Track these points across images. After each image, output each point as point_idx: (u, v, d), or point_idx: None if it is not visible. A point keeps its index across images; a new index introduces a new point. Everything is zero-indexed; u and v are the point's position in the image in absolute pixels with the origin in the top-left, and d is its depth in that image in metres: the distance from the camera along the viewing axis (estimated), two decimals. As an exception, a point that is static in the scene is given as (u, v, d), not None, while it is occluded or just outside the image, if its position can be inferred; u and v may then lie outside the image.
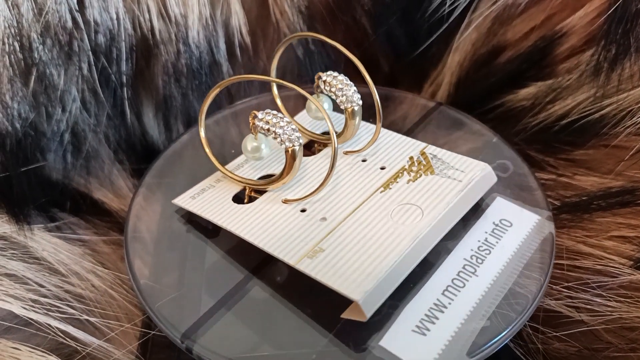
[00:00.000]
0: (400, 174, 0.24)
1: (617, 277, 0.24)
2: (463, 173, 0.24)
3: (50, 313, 0.24)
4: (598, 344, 0.24)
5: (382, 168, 0.25)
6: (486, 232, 0.23)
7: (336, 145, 0.23)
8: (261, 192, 0.24)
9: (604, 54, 0.28)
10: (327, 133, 0.27)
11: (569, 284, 0.24)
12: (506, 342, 0.20)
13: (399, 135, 0.26)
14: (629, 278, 0.24)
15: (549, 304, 0.24)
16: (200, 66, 0.30)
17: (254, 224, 0.23)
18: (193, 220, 0.24)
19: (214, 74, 0.31)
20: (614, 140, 0.28)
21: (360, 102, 0.25)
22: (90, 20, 0.27)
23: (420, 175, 0.24)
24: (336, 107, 0.26)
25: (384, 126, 0.27)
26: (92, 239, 0.28)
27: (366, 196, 0.23)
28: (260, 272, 0.22)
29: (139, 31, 0.29)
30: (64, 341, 0.23)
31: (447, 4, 0.30)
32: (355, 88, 0.25)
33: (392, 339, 0.20)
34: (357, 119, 0.25)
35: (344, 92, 0.25)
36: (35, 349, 0.23)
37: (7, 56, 0.26)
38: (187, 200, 0.24)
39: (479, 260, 0.22)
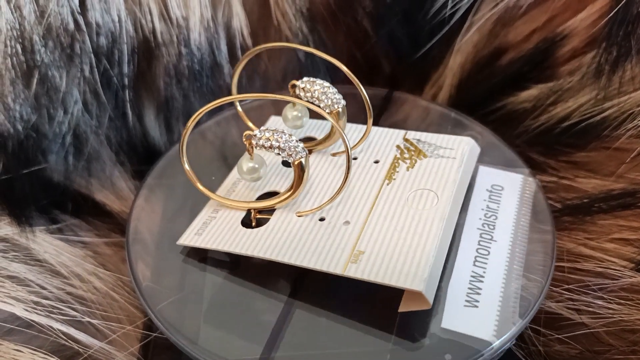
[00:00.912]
0: (396, 164, 0.25)
1: (618, 279, 0.24)
2: (453, 150, 0.25)
3: (52, 315, 0.24)
4: (599, 347, 0.24)
5: (376, 162, 0.25)
6: (485, 200, 0.25)
7: (350, 150, 0.22)
8: (268, 212, 0.23)
9: (605, 56, 0.28)
10: (306, 140, 0.26)
11: (570, 287, 0.24)
12: (508, 345, 0.20)
13: (377, 128, 0.26)
14: (630, 280, 0.24)
15: (550, 307, 0.24)
16: (201, 68, 0.30)
17: (280, 244, 0.22)
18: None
19: (216, 75, 0.31)
20: (616, 142, 0.28)
21: (344, 102, 0.25)
22: (92, 23, 0.27)
23: (416, 161, 0.25)
24: (312, 114, 0.26)
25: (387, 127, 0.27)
26: (93, 240, 0.28)
27: (376, 191, 0.23)
28: (262, 274, 0.22)
29: (140, 33, 0.29)
30: (66, 343, 0.23)
31: (449, 6, 0.30)
32: (335, 89, 0.25)
33: (451, 318, 0.21)
34: (344, 119, 0.25)
35: (327, 96, 0.24)
36: (37, 350, 0.23)
37: (9, 58, 0.26)
38: (193, 238, 0.23)
39: (490, 227, 0.24)
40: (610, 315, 0.24)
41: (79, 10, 0.27)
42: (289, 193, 0.23)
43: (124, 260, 0.27)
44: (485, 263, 0.23)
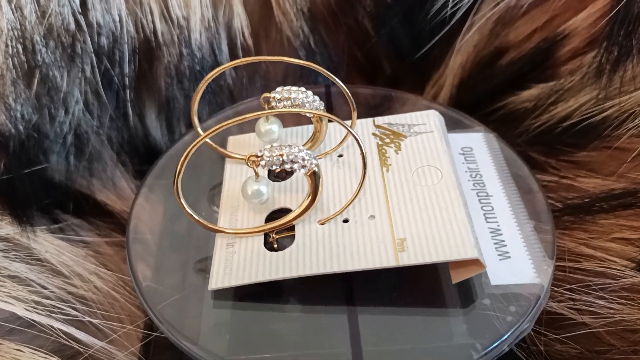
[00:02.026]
0: (383, 150, 0.25)
1: (619, 279, 0.24)
2: (425, 124, 0.26)
3: (52, 315, 0.24)
4: (600, 346, 0.24)
5: (363, 156, 0.25)
6: (463, 163, 0.26)
7: (365, 153, 0.22)
8: (286, 230, 0.23)
9: (606, 55, 0.28)
10: None
11: (571, 286, 0.24)
12: (510, 344, 0.20)
13: (347, 122, 0.26)
14: (631, 280, 0.24)
15: (551, 306, 0.24)
16: (202, 68, 0.30)
17: (320, 256, 0.21)
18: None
19: (217, 76, 0.31)
20: (617, 142, 0.27)
21: (323, 104, 0.24)
22: (93, 23, 0.27)
23: (399, 144, 0.25)
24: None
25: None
26: (94, 240, 0.28)
27: (380, 180, 0.24)
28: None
29: (141, 33, 0.29)
30: (67, 343, 0.23)
31: (450, 6, 0.30)
32: (311, 92, 0.24)
33: (495, 275, 0.22)
34: (325, 121, 0.25)
35: (308, 100, 0.24)
36: (37, 350, 0.23)
37: (10, 58, 0.26)
38: (224, 279, 0.21)
39: (481, 185, 0.25)
40: (611, 315, 0.24)
41: (80, 11, 0.27)
42: (307, 204, 0.22)
43: (125, 260, 0.27)
44: (495, 217, 0.24)
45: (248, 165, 0.22)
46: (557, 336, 0.24)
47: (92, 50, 0.27)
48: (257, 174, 0.22)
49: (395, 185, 0.23)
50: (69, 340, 0.24)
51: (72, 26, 0.27)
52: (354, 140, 0.25)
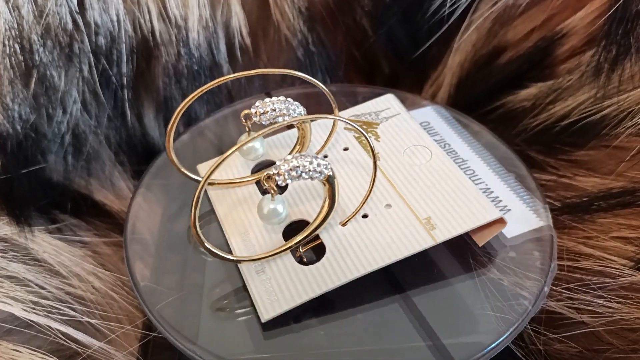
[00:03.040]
0: (365, 143, 0.25)
1: (618, 278, 0.24)
2: (390, 109, 0.27)
3: (51, 315, 0.24)
4: (599, 345, 0.24)
5: (346, 149, 0.25)
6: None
7: (373, 146, 0.23)
8: (310, 241, 0.22)
9: (604, 54, 0.28)
10: (270, 164, 0.26)
11: (570, 285, 0.24)
12: (508, 343, 0.20)
13: (320, 121, 0.26)
14: (630, 279, 0.24)
15: (549, 305, 0.24)
16: (200, 68, 0.30)
17: (358, 257, 0.21)
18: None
19: (215, 75, 0.31)
20: (615, 141, 0.27)
21: (304, 108, 0.24)
22: (90, 22, 0.27)
23: (375, 132, 0.26)
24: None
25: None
26: (93, 240, 0.28)
27: (377, 169, 0.24)
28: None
29: (139, 33, 0.29)
30: (65, 343, 0.23)
31: (448, 5, 0.30)
32: (290, 99, 0.23)
33: (508, 229, 0.23)
34: (308, 126, 0.25)
35: (291, 109, 0.23)
36: (36, 351, 0.23)
37: (7, 58, 0.26)
38: (274, 307, 0.20)
39: (454, 153, 0.26)
40: (610, 314, 0.24)
41: (78, 10, 0.27)
42: (326, 210, 0.22)
43: (123, 260, 0.27)
44: (480, 178, 0.25)
45: (263, 185, 0.21)
46: (556, 335, 0.24)
47: (89, 49, 0.27)
48: (274, 192, 0.21)
49: (393, 170, 0.24)
50: (67, 340, 0.24)
51: (70, 26, 0.27)
52: (333, 137, 0.25)
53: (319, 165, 0.21)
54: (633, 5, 0.26)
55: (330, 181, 0.22)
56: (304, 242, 0.22)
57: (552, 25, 0.30)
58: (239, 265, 0.22)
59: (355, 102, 0.28)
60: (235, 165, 0.26)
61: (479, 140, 0.27)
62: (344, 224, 0.22)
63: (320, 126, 0.26)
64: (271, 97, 0.23)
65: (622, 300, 0.24)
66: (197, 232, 0.20)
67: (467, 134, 0.27)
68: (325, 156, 0.25)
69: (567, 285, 0.24)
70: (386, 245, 0.21)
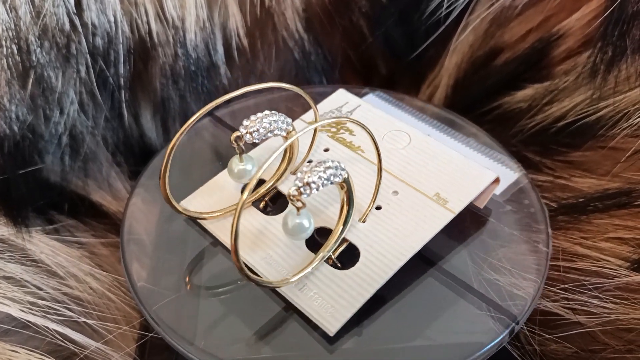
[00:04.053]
0: (341, 139, 0.26)
1: (613, 278, 0.24)
2: (348, 102, 0.27)
3: (48, 315, 0.24)
4: (595, 346, 0.24)
5: (326, 150, 0.25)
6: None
7: (381, 159, 0.23)
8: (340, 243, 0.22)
9: (600, 55, 0.28)
10: (261, 181, 0.25)
11: (566, 286, 0.24)
12: (504, 344, 0.20)
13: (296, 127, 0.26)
14: (626, 279, 0.24)
15: (545, 306, 0.24)
16: (197, 68, 0.30)
17: (393, 247, 0.22)
18: (190, 222, 0.24)
19: (212, 76, 0.31)
20: (611, 142, 0.28)
21: (290, 120, 0.24)
22: (87, 23, 0.27)
23: (346, 127, 0.26)
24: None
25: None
26: (90, 241, 0.28)
27: (368, 162, 0.24)
28: (259, 275, 0.22)
29: (136, 34, 0.29)
30: (62, 344, 0.23)
31: (444, 6, 0.30)
32: (275, 111, 0.23)
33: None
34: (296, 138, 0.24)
35: (280, 121, 0.23)
36: (33, 351, 0.23)
37: (4, 59, 0.26)
38: (338, 316, 0.20)
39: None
40: (606, 314, 0.24)
41: (75, 11, 0.27)
42: (346, 212, 0.22)
43: (120, 261, 0.27)
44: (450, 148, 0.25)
45: (291, 202, 0.20)
46: (552, 335, 0.24)
47: (87, 50, 0.27)
48: (302, 205, 0.21)
49: (383, 158, 0.24)
50: (65, 341, 0.24)
51: (67, 26, 0.27)
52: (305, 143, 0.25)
53: (337, 167, 0.21)
54: (629, 7, 0.26)
55: (346, 182, 0.22)
56: (334, 251, 0.22)
57: (548, 26, 0.30)
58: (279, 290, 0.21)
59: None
60: (224, 191, 0.25)
61: (477, 140, 0.27)
62: (364, 220, 0.23)
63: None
64: (256, 114, 0.23)
65: (618, 300, 0.24)
66: (240, 264, 0.19)
67: (415, 111, 0.28)
68: (310, 161, 0.25)
69: (563, 286, 0.25)
70: (412, 229, 0.22)
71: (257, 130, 0.22)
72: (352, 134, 0.26)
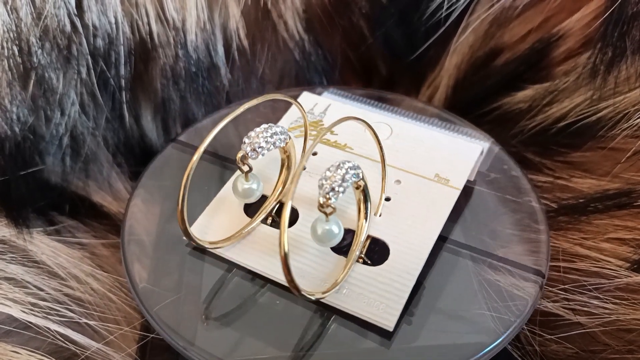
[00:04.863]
0: (326, 141, 0.26)
1: (614, 279, 0.24)
2: (317, 104, 0.27)
3: (49, 316, 0.24)
4: (595, 346, 0.24)
5: (315, 154, 0.26)
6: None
7: (383, 151, 0.23)
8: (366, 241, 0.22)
9: (600, 56, 0.28)
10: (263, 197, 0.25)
11: (566, 286, 0.24)
12: (505, 344, 0.20)
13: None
14: (626, 280, 0.24)
15: (546, 306, 0.24)
16: (198, 69, 0.30)
17: (414, 236, 0.22)
18: (191, 222, 0.24)
19: (212, 77, 0.31)
20: (611, 142, 0.28)
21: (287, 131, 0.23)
22: (88, 24, 0.27)
23: (325, 128, 0.25)
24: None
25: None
26: (91, 242, 0.28)
27: (360, 158, 0.25)
28: (258, 275, 0.22)
29: (137, 35, 0.29)
30: (63, 344, 0.23)
31: (445, 7, 0.30)
32: (272, 124, 0.23)
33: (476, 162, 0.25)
34: (293, 148, 0.24)
35: (279, 132, 0.22)
36: (34, 352, 0.23)
37: (5, 60, 0.26)
38: (387, 312, 0.20)
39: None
40: (606, 315, 0.24)
41: (76, 12, 0.27)
42: (364, 211, 0.22)
43: (121, 262, 0.27)
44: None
45: (321, 209, 0.20)
46: (552, 336, 0.24)
47: (87, 51, 0.27)
48: (332, 210, 0.20)
49: (373, 152, 0.24)
50: (66, 342, 0.24)
51: (68, 28, 0.27)
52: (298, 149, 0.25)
53: (357, 167, 0.21)
54: (629, 7, 0.26)
55: (363, 179, 0.21)
56: (363, 250, 0.22)
57: (548, 27, 0.30)
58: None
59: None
60: (229, 213, 0.24)
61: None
62: (380, 214, 0.23)
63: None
64: (254, 130, 0.22)
65: (618, 301, 0.24)
66: (295, 284, 0.19)
67: (376, 102, 0.29)
68: (304, 168, 0.25)
69: (563, 286, 0.25)
70: (426, 213, 0.23)
71: (261, 146, 0.22)
72: (334, 133, 0.26)
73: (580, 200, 0.27)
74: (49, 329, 0.24)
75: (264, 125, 0.22)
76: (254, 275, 0.22)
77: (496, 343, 0.20)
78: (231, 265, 0.23)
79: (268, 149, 0.22)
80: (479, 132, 0.27)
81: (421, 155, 0.25)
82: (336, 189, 0.20)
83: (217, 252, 0.23)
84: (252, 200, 0.23)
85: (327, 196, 0.20)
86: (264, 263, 0.22)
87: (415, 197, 0.24)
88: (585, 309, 0.24)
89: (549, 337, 0.24)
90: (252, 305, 0.21)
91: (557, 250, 0.25)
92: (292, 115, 0.27)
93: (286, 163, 0.24)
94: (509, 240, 0.23)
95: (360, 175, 0.21)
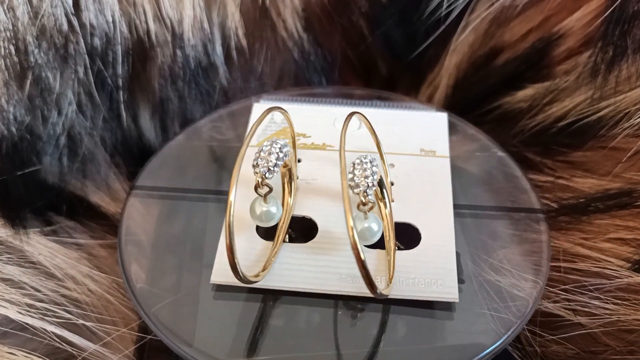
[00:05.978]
0: (305, 145, 0.26)
1: (614, 279, 0.24)
2: (275, 113, 0.25)
3: (46, 318, 0.24)
4: (596, 347, 0.24)
5: (299, 161, 0.25)
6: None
7: (379, 140, 0.24)
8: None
9: (601, 55, 0.28)
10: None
11: (567, 287, 0.24)
12: (506, 344, 0.20)
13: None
14: (627, 280, 0.24)
15: (546, 307, 0.24)
16: (196, 68, 0.30)
17: (436, 211, 0.23)
18: (189, 222, 0.24)
19: (210, 76, 0.31)
20: (612, 142, 0.27)
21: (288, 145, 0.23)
22: (86, 24, 0.27)
23: (297, 132, 0.26)
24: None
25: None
26: (88, 242, 0.28)
27: (351, 150, 0.24)
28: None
29: (134, 34, 0.28)
30: (60, 346, 0.23)
31: (445, 6, 0.30)
32: (275, 138, 0.22)
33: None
34: (295, 162, 0.24)
35: (283, 145, 0.22)
36: (31, 353, 0.23)
37: (2, 59, 0.26)
38: (447, 285, 0.21)
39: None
40: (607, 316, 0.24)
41: (73, 11, 0.27)
42: (383, 205, 0.22)
43: (118, 262, 0.27)
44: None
45: (360, 208, 0.20)
46: (553, 337, 0.24)
47: (85, 51, 0.27)
48: (372, 205, 0.20)
49: (353, 144, 0.24)
50: (63, 343, 0.23)
51: (65, 27, 0.27)
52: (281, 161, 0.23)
53: (375, 165, 0.21)
54: (630, 6, 0.26)
55: (381, 184, 0.22)
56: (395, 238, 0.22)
57: (549, 26, 0.30)
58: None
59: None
60: (246, 242, 0.23)
61: (476, 142, 0.27)
62: (393, 200, 0.23)
63: None
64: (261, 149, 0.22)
65: (619, 301, 0.24)
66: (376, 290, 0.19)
67: (317, 98, 0.29)
68: (297, 177, 0.25)
69: (563, 287, 0.24)
70: (432, 188, 0.24)
71: (274, 162, 0.21)
72: (307, 136, 0.26)
73: (581, 200, 0.27)
74: (45, 330, 0.23)
75: (268, 142, 0.21)
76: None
77: (497, 344, 0.20)
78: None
79: (279, 162, 0.21)
80: (425, 106, 0.29)
81: (399, 135, 0.26)
82: (369, 184, 0.20)
83: (264, 285, 0.21)
84: (271, 223, 0.22)
85: (365, 194, 0.20)
86: (316, 281, 0.21)
87: (413, 175, 0.25)
88: (586, 309, 0.24)
89: (550, 337, 0.24)
90: (250, 305, 0.21)
91: (558, 250, 0.25)
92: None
93: (287, 176, 0.24)
94: (510, 241, 0.23)
95: (380, 166, 0.22)
